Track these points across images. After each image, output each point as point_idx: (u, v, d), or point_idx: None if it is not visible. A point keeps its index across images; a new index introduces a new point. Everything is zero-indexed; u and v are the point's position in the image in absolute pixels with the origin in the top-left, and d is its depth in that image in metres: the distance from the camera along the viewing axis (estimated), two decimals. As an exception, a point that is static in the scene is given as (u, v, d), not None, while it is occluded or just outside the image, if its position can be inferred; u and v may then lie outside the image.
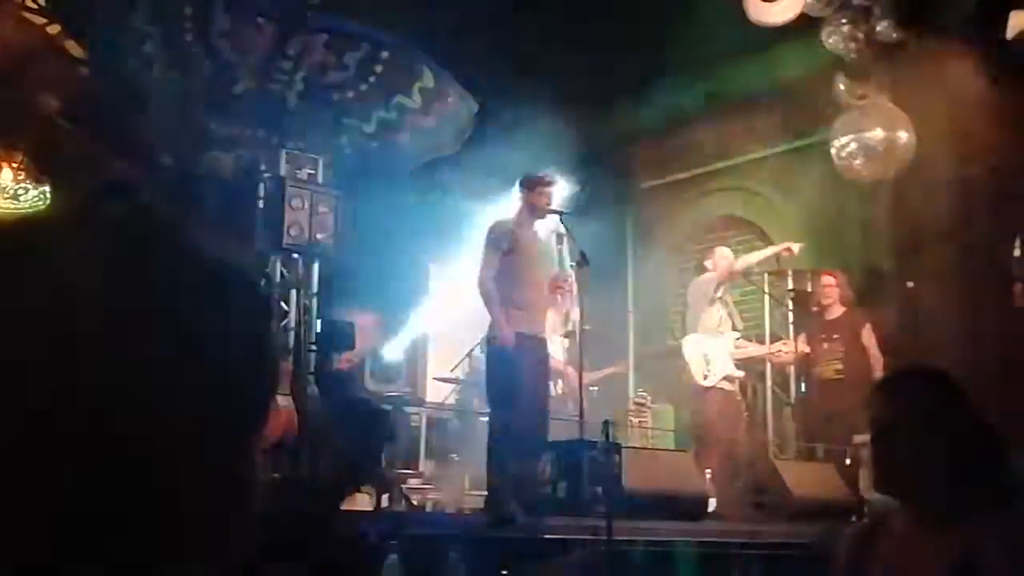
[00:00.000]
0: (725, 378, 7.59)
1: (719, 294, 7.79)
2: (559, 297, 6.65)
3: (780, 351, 7.98)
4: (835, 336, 7.62)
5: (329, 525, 3.05)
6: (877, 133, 7.42)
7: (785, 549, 5.59)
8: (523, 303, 5.93)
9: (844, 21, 7.27)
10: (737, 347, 7.85)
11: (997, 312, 7.67)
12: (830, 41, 7.39)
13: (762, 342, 8.31)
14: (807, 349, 7.76)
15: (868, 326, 7.49)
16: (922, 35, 6.01)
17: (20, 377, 0.62)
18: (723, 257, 7.93)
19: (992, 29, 5.33)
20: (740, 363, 7.81)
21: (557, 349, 6.82)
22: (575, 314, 6.58)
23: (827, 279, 7.76)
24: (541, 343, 6.05)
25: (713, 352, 7.61)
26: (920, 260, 7.61)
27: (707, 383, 7.53)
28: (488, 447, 5.93)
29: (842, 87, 7.65)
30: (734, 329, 7.90)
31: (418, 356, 9.19)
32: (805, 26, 7.35)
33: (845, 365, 7.49)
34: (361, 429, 3.15)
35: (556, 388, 7.10)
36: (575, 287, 6.57)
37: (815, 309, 7.98)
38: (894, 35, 7.02)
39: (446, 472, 7.92)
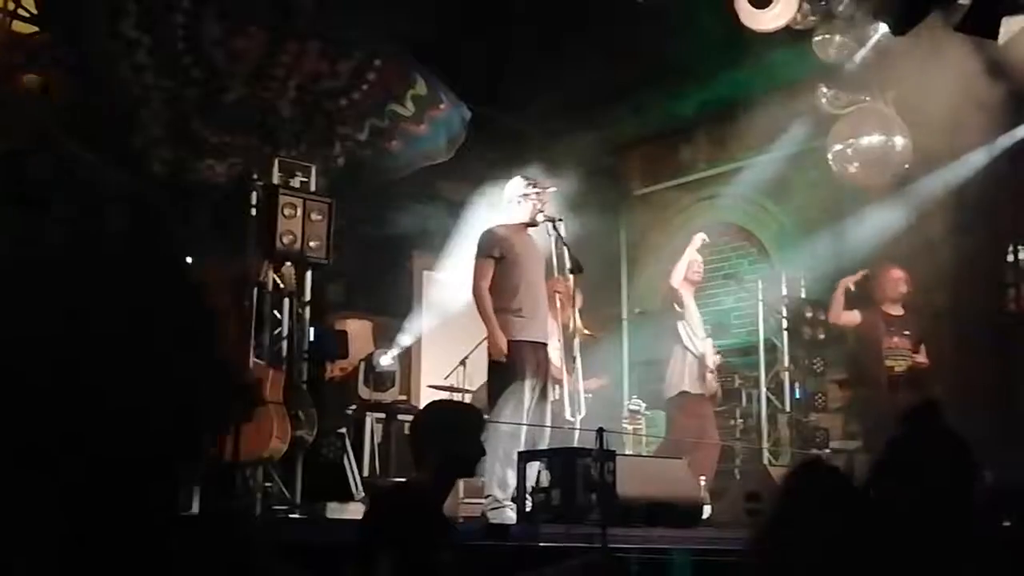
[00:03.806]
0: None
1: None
2: (557, 304, 6.64)
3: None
4: (905, 332, 7.43)
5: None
6: (873, 138, 7.42)
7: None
8: (521, 310, 5.90)
9: (833, 31, 7.27)
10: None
11: (991, 318, 7.67)
12: (822, 50, 7.39)
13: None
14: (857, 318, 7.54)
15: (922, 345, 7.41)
16: (914, 40, 6.01)
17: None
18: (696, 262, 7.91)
19: (985, 33, 5.34)
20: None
21: (555, 355, 6.79)
22: (572, 321, 6.55)
23: (895, 273, 7.52)
24: (541, 349, 6.03)
25: (710, 357, 7.64)
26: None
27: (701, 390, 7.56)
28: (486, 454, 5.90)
29: (823, 100, 7.63)
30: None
31: (412, 364, 9.17)
32: (798, 33, 7.35)
33: (922, 363, 7.33)
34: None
35: (554, 394, 7.08)
36: (572, 294, 6.56)
37: (875, 302, 7.67)
38: (883, 40, 7.03)
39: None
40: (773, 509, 2.15)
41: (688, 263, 7.77)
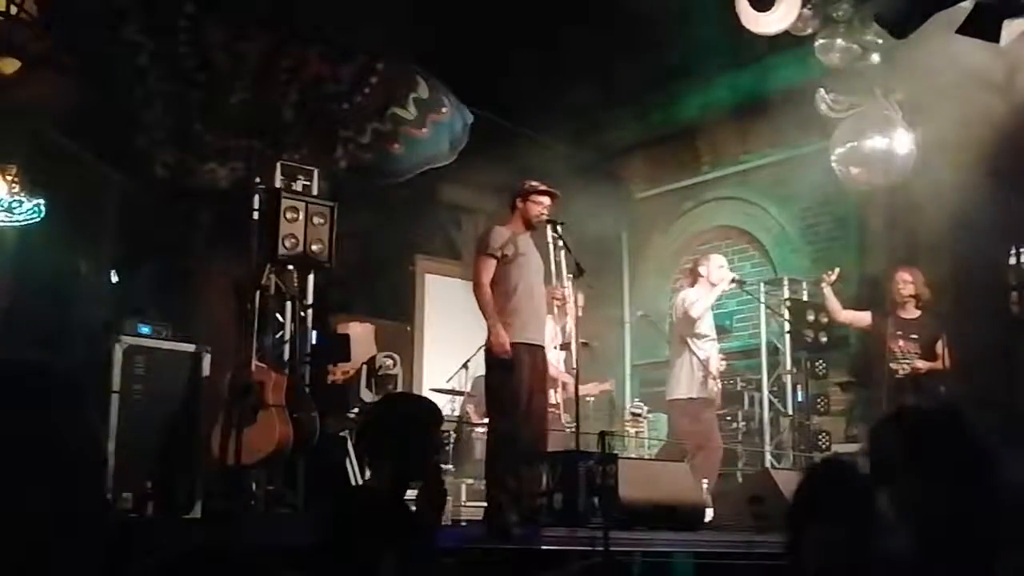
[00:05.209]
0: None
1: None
2: (556, 308, 6.62)
3: None
4: (912, 336, 7.33)
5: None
6: (876, 141, 7.40)
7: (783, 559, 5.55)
8: (521, 312, 5.87)
9: (834, 35, 7.27)
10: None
11: (994, 320, 7.66)
12: (824, 54, 7.38)
13: None
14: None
15: (943, 337, 7.28)
16: (918, 42, 6.01)
17: None
18: (719, 266, 7.86)
19: (987, 36, 5.34)
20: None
21: (555, 358, 6.78)
22: (571, 326, 6.54)
23: (903, 275, 7.41)
24: (540, 352, 6.00)
25: (714, 361, 7.62)
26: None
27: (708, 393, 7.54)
28: (487, 458, 5.89)
29: (822, 105, 7.63)
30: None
31: (414, 367, 9.17)
32: (800, 36, 7.35)
33: (921, 368, 7.23)
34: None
35: (556, 396, 7.07)
36: (571, 299, 6.55)
37: (887, 305, 7.56)
38: (881, 43, 7.02)
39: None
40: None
41: (717, 279, 7.73)
